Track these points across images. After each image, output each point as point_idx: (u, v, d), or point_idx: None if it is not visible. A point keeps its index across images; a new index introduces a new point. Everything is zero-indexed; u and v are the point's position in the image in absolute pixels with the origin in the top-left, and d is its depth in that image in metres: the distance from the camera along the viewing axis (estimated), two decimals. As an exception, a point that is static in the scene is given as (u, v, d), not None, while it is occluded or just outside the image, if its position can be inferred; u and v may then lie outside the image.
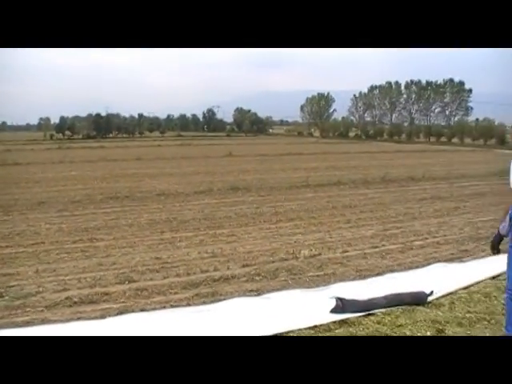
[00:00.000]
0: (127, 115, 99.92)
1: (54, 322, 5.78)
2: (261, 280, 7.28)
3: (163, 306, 6.26)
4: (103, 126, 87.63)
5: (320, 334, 5.05)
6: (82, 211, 13.18)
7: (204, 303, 6.34)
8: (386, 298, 5.96)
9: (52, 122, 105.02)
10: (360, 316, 5.68)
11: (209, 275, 7.46)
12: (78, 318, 5.90)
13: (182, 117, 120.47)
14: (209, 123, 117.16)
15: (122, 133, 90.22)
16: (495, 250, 4.86)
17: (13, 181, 20.32)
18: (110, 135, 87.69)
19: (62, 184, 19.26)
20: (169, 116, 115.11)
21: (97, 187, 17.89)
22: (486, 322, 5.33)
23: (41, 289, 6.91)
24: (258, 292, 6.73)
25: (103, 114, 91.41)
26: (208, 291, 6.82)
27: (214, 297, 6.59)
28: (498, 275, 6.87)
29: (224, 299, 6.44)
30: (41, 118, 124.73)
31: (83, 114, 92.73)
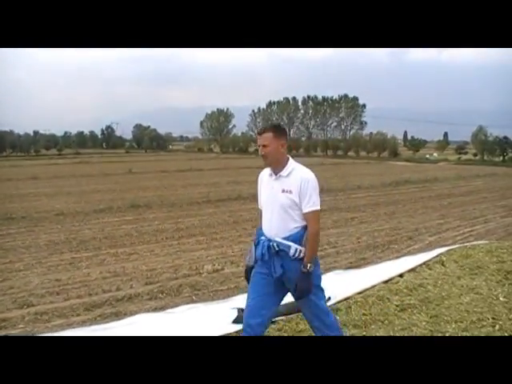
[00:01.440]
0: (21, 132, 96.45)
1: None
2: (165, 297, 7.28)
3: (64, 328, 6.11)
4: (4, 146, 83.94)
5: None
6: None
7: (107, 323, 6.21)
8: (285, 305, 6.12)
9: None
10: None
11: (111, 295, 7.37)
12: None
13: (80, 134, 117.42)
14: (108, 140, 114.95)
15: (16, 151, 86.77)
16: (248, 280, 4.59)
17: None
18: (4, 153, 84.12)
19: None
20: (66, 133, 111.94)
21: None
22: (380, 323, 5.59)
23: None
24: (163, 309, 6.72)
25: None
26: (111, 311, 6.74)
27: (118, 316, 6.51)
28: (391, 279, 7.20)
29: (125, 317, 6.38)
30: None
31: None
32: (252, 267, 4.30)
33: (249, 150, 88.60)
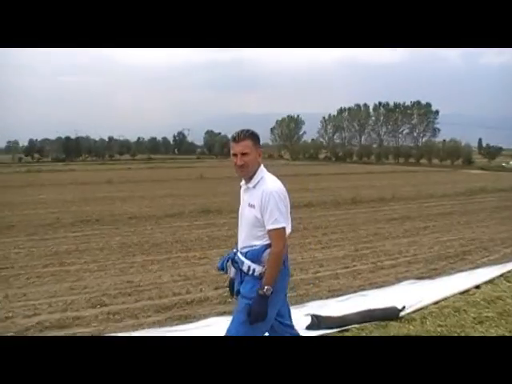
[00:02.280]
0: (97, 138, 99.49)
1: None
2: (233, 302, 7.28)
3: (136, 329, 6.23)
4: (73, 149, 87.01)
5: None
6: (52, 235, 13.02)
7: (177, 325, 6.34)
8: (359, 314, 6.05)
9: (21, 145, 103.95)
10: (335, 332, 5.74)
11: (181, 298, 7.45)
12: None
13: (153, 140, 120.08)
14: (179, 146, 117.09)
15: (91, 156, 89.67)
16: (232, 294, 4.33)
17: None
18: (80, 158, 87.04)
19: (32, 207, 19.00)
20: (139, 139, 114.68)
21: (67, 211, 17.70)
22: (456, 335, 5.42)
23: (11, 314, 6.82)
24: (231, 314, 6.73)
25: (72, 136, 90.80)
26: (181, 314, 6.80)
27: (187, 319, 6.58)
28: (467, 290, 6.98)
29: (197, 321, 6.46)
30: (9, 141, 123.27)
31: (52, 137, 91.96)
32: (233, 280, 4.14)
33: (319, 157, 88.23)
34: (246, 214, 3.90)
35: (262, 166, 3.95)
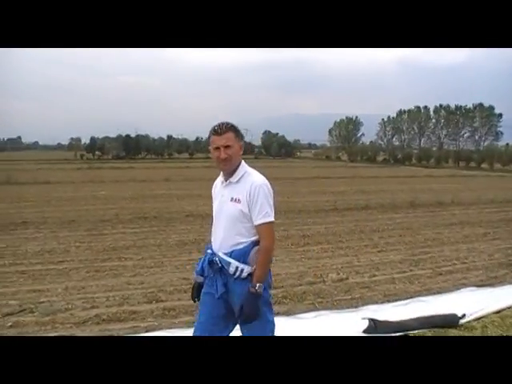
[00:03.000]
0: (156, 137, 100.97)
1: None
2: (288, 302, 7.27)
3: (190, 326, 6.28)
4: (132, 147, 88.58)
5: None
6: (111, 230, 13.34)
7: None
8: (417, 319, 5.94)
9: (82, 142, 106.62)
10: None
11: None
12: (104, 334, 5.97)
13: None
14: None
15: (151, 154, 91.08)
16: (196, 297, 4.06)
17: (44, 199, 20.70)
18: (139, 156, 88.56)
19: (92, 203, 19.53)
20: (197, 138, 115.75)
21: (126, 207, 18.07)
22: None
23: (70, 306, 7.01)
24: (286, 314, 6.72)
25: (132, 135, 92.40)
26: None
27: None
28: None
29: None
30: (72, 138, 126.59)
31: (113, 135, 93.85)
32: (200, 284, 3.93)
33: (377, 159, 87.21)
34: (228, 210, 3.67)
35: (242, 160, 3.79)
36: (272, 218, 3.64)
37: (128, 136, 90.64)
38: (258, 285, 3.53)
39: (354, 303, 7.23)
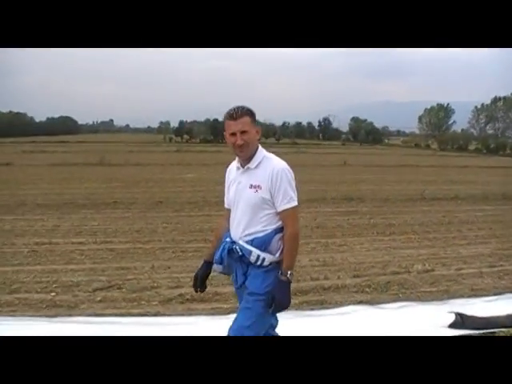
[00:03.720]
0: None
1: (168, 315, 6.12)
2: (371, 292, 7.20)
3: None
4: (220, 131, 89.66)
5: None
6: (198, 212, 13.69)
7: (312, 310, 6.38)
8: (509, 317, 5.73)
9: (171, 126, 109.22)
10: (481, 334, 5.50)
11: (319, 283, 7.47)
12: (189, 315, 6.16)
13: (298, 124, 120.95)
14: (324, 132, 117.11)
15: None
16: (198, 287, 3.84)
17: (133, 180, 21.51)
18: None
19: (180, 185, 20.08)
20: (284, 123, 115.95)
21: (212, 190, 18.29)
22: None
23: (155, 284, 7.24)
24: (369, 303, 6.67)
25: (220, 119, 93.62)
26: (317, 299, 6.83)
27: (323, 305, 6.60)
28: None
29: (333, 307, 6.46)
30: (161, 122, 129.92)
31: (201, 119, 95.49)
32: (204, 273, 3.81)
33: (469, 149, 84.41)
34: (248, 197, 3.50)
35: (259, 145, 3.60)
36: (296, 203, 3.52)
37: (216, 120, 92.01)
38: (289, 272, 3.45)
39: (439, 296, 7.06)
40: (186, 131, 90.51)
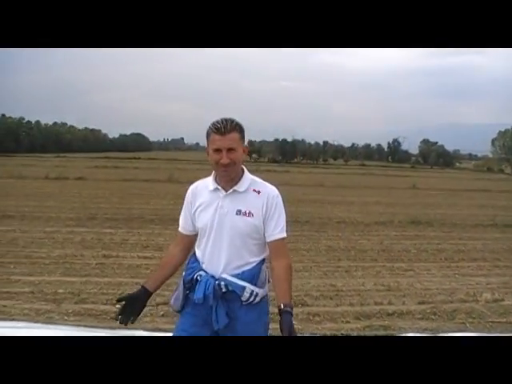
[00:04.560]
0: (312, 142, 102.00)
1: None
2: (437, 319, 7.00)
3: (333, 333, 6.27)
4: (288, 151, 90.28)
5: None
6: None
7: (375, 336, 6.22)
8: None
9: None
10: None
11: (382, 308, 7.34)
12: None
13: (367, 146, 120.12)
14: (393, 154, 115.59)
15: (306, 159, 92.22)
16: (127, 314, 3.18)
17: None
18: (295, 160, 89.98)
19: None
20: (353, 145, 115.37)
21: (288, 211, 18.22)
22: None
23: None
24: (433, 332, 6.49)
25: (289, 139, 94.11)
26: (380, 324, 6.70)
27: (386, 330, 6.46)
28: None
29: (396, 334, 6.30)
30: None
31: (270, 139, 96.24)
32: (134, 299, 3.21)
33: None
34: (236, 225, 3.08)
35: (243, 166, 3.22)
36: (286, 233, 3.21)
37: (284, 140, 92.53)
38: (291, 304, 3.10)
39: (509, 327, 6.80)
40: (254, 150, 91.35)
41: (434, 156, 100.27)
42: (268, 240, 3.14)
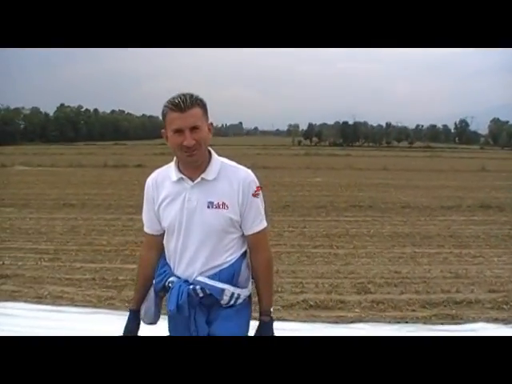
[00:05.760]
0: (375, 124, 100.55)
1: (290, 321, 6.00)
2: (509, 309, 6.63)
3: (397, 321, 6.06)
4: (350, 134, 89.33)
5: None
6: (325, 217, 13.49)
7: (442, 325, 5.99)
8: None
9: (300, 129, 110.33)
10: None
11: (450, 296, 7.01)
12: (313, 321, 6.03)
13: (432, 127, 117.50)
14: (461, 135, 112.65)
15: (368, 141, 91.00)
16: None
17: (261, 183, 21.38)
18: (357, 143, 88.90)
19: (307, 189, 20.09)
20: (418, 126, 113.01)
21: (340, 195, 18.16)
22: None
23: (279, 288, 7.08)
24: (505, 321, 6.15)
25: (350, 122, 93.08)
26: (448, 313, 6.39)
27: (454, 320, 6.17)
28: None
29: (464, 323, 6.03)
30: (290, 125, 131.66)
31: (330, 122, 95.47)
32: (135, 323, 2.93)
33: None
34: (208, 220, 2.65)
35: (210, 149, 2.75)
36: (266, 222, 2.83)
37: (345, 123, 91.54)
38: (272, 310, 2.87)
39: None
40: (315, 134, 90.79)
41: (505, 136, 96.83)
42: (247, 233, 2.75)
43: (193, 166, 2.63)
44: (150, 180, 2.88)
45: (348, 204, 15.74)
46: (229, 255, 2.71)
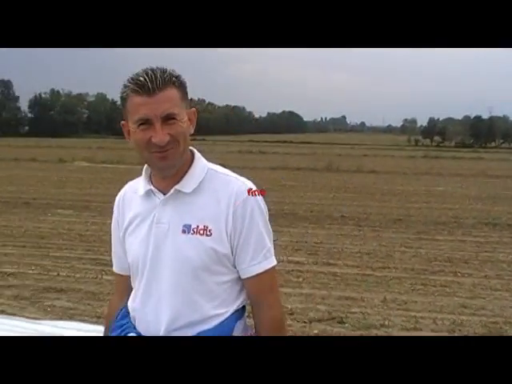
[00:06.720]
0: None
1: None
2: None
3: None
4: (484, 132, 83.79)
5: None
6: (447, 236, 12.13)
7: None
8: None
9: (418, 125, 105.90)
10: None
11: None
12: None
13: None
14: None
15: (508, 142, 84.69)
16: None
17: (367, 191, 20.75)
18: (493, 144, 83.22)
19: (425, 200, 18.53)
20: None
21: (469, 208, 16.59)
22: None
23: (387, 322, 6.47)
24: None
25: (485, 116, 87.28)
26: None
27: None
28: None
29: None
30: (405, 120, 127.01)
31: (458, 116, 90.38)
32: None
33: None
34: (182, 250, 1.84)
35: (193, 149, 1.95)
36: (274, 258, 1.95)
37: (478, 118, 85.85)
38: None
39: None
40: (437, 132, 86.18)
41: None
42: (243, 276, 1.92)
43: (166, 173, 1.87)
44: (117, 198, 2.14)
45: (478, 220, 14.18)
46: (212, 308, 1.89)
